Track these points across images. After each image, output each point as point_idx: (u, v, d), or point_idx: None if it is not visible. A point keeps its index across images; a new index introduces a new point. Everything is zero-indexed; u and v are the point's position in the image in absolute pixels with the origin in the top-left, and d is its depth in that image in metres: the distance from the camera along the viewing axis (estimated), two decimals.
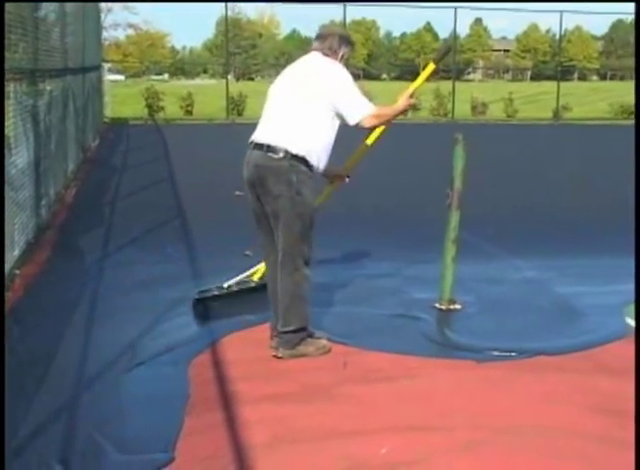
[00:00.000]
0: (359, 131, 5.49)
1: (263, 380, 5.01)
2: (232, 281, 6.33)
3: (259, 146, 5.22)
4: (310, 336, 5.44)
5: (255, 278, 6.32)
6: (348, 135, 5.58)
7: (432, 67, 5.88)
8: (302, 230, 5.21)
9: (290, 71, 5.46)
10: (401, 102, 5.54)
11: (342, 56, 5.46)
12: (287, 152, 5.12)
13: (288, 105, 5.27)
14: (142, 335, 5.65)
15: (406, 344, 5.69)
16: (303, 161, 5.16)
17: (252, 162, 5.24)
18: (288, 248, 5.21)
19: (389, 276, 7.34)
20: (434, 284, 6.61)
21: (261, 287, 5.95)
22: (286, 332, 5.29)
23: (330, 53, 5.39)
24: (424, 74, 5.88)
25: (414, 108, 5.90)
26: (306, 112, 5.19)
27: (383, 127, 5.77)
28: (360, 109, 5.23)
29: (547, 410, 4.64)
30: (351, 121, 5.23)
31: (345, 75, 5.29)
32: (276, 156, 5.14)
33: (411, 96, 5.60)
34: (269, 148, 5.17)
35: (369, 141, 6.06)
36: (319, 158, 5.27)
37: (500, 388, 4.99)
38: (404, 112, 5.70)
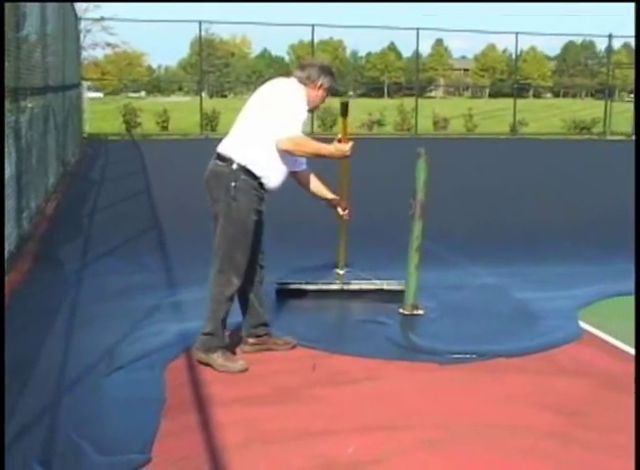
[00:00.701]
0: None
1: (236, 383, 4.99)
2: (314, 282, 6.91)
3: (215, 154, 5.27)
4: (229, 350, 5.32)
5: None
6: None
7: (342, 120, 5.85)
8: (236, 237, 5.15)
9: (261, 89, 5.44)
10: (332, 147, 5.42)
11: (322, 85, 5.39)
12: (231, 160, 5.13)
13: (247, 119, 5.28)
14: (120, 341, 5.61)
15: (372, 347, 5.69)
16: (246, 170, 5.12)
17: (207, 169, 5.29)
18: (219, 251, 5.18)
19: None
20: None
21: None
22: (203, 333, 5.21)
23: (308, 82, 5.35)
24: (342, 128, 5.79)
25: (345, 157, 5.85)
26: (260, 126, 5.17)
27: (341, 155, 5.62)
28: (285, 129, 5.11)
29: (507, 410, 4.66)
30: (275, 136, 5.13)
31: (296, 101, 5.24)
32: (222, 163, 5.17)
33: (339, 141, 5.51)
34: (219, 156, 5.21)
35: (342, 170, 6.20)
36: (267, 173, 5.20)
37: (462, 389, 5.01)
38: (335, 157, 5.59)
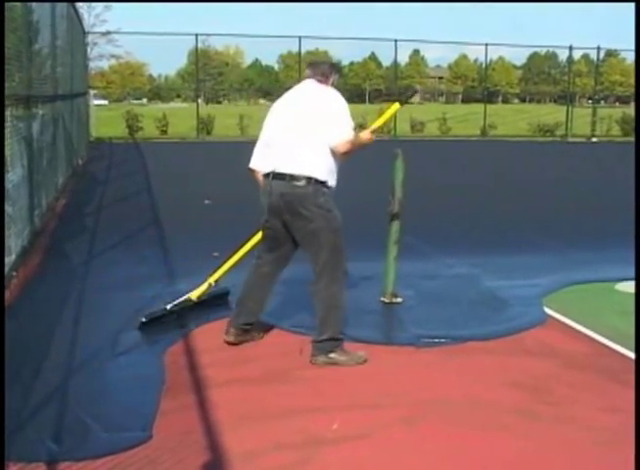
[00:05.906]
0: None
1: (229, 366, 4.99)
2: (174, 303, 5.87)
3: (281, 176, 5.01)
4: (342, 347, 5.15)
5: (194, 297, 5.96)
6: None
7: (396, 106, 5.63)
8: (340, 243, 5.06)
9: (291, 101, 5.22)
10: (364, 135, 5.28)
11: (333, 82, 5.26)
12: (309, 178, 4.94)
13: (298, 135, 5.02)
14: (123, 327, 5.59)
15: (354, 332, 5.66)
16: (323, 184, 5.00)
17: (277, 191, 5.02)
18: (327, 262, 5.03)
19: None
20: (379, 280, 6.61)
21: (199, 304, 5.93)
22: (320, 341, 5.05)
23: (323, 79, 5.19)
24: (388, 113, 5.56)
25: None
26: (316, 140, 4.96)
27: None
28: (343, 132, 4.96)
29: (478, 389, 4.67)
30: (331, 142, 4.95)
31: (341, 101, 5.08)
32: (300, 183, 4.95)
33: (373, 132, 5.40)
34: (292, 177, 4.97)
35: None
36: (334, 178, 5.11)
37: (436, 370, 5.01)
38: (365, 145, 5.32)
